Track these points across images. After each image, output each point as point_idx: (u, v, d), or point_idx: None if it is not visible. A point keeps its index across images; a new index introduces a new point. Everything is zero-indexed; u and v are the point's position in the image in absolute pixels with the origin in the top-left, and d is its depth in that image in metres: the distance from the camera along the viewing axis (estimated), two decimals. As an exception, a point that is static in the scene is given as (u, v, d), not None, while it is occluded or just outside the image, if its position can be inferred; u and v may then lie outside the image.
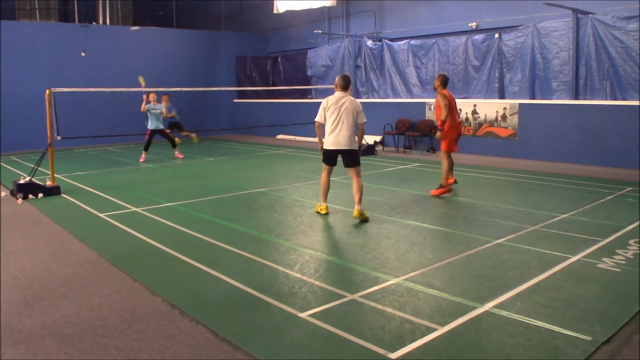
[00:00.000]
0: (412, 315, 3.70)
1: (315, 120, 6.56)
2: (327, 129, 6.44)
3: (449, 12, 14.34)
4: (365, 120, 6.62)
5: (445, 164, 7.81)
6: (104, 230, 6.23)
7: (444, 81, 7.96)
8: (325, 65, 17.35)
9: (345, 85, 6.51)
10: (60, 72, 15.67)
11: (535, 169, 10.53)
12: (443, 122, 7.68)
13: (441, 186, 7.81)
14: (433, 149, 13.57)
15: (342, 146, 6.40)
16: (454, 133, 7.91)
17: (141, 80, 12.19)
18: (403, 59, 14.93)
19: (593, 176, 9.53)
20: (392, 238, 5.72)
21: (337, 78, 6.56)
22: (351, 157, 6.48)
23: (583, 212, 6.80)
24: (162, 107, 12.41)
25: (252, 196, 8.24)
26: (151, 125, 12.27)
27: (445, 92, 7.83)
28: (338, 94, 6.47)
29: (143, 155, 12.52)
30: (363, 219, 6.39)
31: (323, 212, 6.76)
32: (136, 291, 4.28)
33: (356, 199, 6.40)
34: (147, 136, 12.36)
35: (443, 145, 7.90)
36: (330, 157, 6.56)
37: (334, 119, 6.35)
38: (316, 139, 6.84)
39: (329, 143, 6.44)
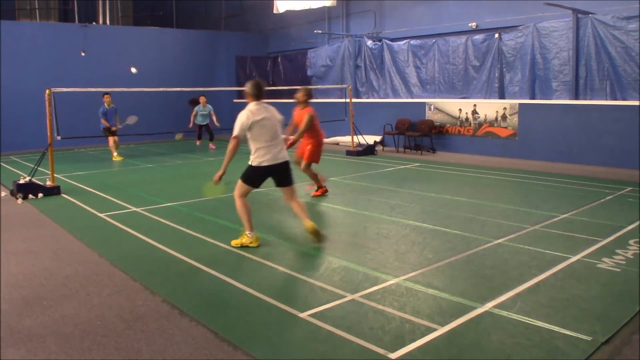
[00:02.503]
0: (412, 315, 3.70)
1: (236, 135, 5.28)
2: (262, 144, 5.31)
3: (449, 12, 14.34)
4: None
5: (310, 173, 7.96)
6: (104, 230, 6.23)
7: (310, 95, 7.81)
8: (325, 65, 17.35)
9: (260, 94, 5.38)
10: (60, 72, 15.66)
11: (535, 169, 10.53)
12: (294, 141, 7.59)
13: (319, 187, 8.06)
14: (433, 149, 13.57)
15: (282, 159, 5.41)
16: (321, 148, 7.97)
17: (179, 137, 14.01)
18: (403, 59, 14.93)
19: (593, 176, 9.53)
20: (392, 238, 5.72)
21: (249, 86, 5.37)
22: (288, 173, 5.53)
23: (583, 212, 6.80)
24: (210, 109, 14.53)
25: (252, 196, 8.18)
26: (197, 121, 14.57)
27: (310, 109, 7.68)
28: (257, 104, 5.35)
29: (211, 144, 14.95)
30: (317, 235, 5.42)
31: (255, 244, 5.41)
32: (136, 291, 4.28)
33: (305, 214, 5.51)
34: (196, 131, 14.74)
35: (306, 158, 7.84)
36: (265, 176, 5.47)
37: (270, 133, 5.32)
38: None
39: (268, 159, 5.33)
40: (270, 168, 5.37)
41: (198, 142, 15.13)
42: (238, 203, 5.48)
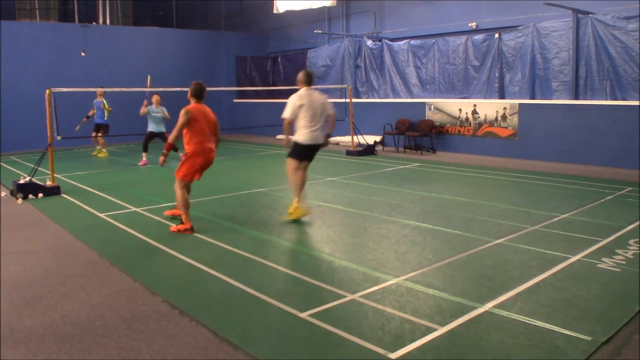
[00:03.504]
0: (412, 315, 3.70)
1: (286, 117, 6.36)
2: (303, 124, 6.35)
3: (449, 12, 14.34)
4: (334, 111, 6.65)
5: (179, 194, 6.07)
6: (104, 230, 6.23)
7: (195, 91, 6.11)
8: (325, 65, 17.35)
9: (310, 81, 6.48)
10: (60, 72, 15.66)
11: (535, 169, 10.53)
12: (171, 146, 6.00)
13: (181, 222, 6.09)
14: (433, 149, 13.58)
15: (319, 141, 6.45)
16: (199, 159, 6.03)
17: (149, 80, 12.00)
18: (403, 59, 14.93)
19: (593, 176, 9.53)
20: (392, 238, 5.72)
21: (300, 75, 6.50)
22: (316, 152, 6.58)
23: (583, 212, 6.80)
24: (163, 110, 11.74)
25: (252, 196, 8.24)
26: (151, 127, 11.69)
27: (192, 106, 6.02)
28: (306, 90, 6.42)
29: (143, 159, 11.83)
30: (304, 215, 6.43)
31: (304, 213, 6.32)
32: (136, 291, 4.28)
33: (302, 193, 6.51)
34: (145, 137, 11.88)
35: (178, 172, 6.10)
36: (307, 152, 6.48)
37: (310, 115, 6.31)
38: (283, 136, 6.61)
39: (307, 138, 6.36)
40: (308, 147, 6.43)
41: (143, 161, 11.78)
42: (291, 177, 6.48)
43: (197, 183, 6.36)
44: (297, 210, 6.35)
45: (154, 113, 11.65)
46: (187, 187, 6.14)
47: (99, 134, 13.18)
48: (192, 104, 6.14)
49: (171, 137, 5.94)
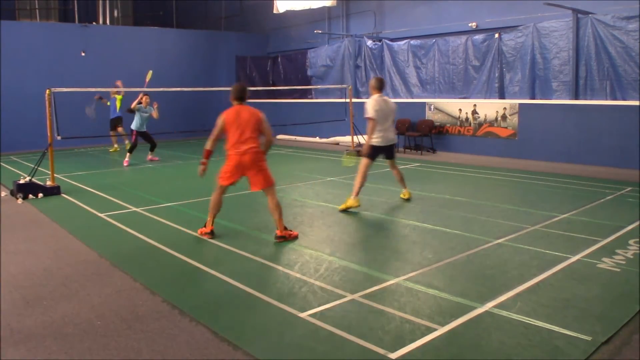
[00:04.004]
0: (412, 315, 3.70)
1: (373, 117, 6.96)
2: (378, 128, 7.04)
3: (449, 12, 14.33)
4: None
5: (212, 195, 6.00)
6: (104, 230, 6.23)
7: (233, 93, 5.79)
8: (325, 65, 17.35)
9: (382, 87, 7.24)
10: (60, 72, 15.66)
11: (535, 169, 10.53)
12: (208, 152, 5.79)
13: (205, 225, 5.96)
14: (433, 149, 13.58)
15: (392, 141, 7.30)
16: (230, 162, 5.80)
17: (149, 74, 12.12)
18: (403, 59, 14.93)
19: (593, 176, 9.53)
20: (392, 238, 5.72)
21: (373, 81, 7.24)
22: (393, 150, 7.40)
23: (583, 212, 6.80)
24: (152, 110, 11.93)
25: (252, 196, 8.22)
26: (136, 126, 11.77)
27: (227, 110, 5.75)
28: (379, 96, 7.09)
29: (127, 159, 11.88)
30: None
31: (356, 205, 6.93)
32: (136, 291, 4.28)
33: (403, 183, 7.67)
34: (132, 137, 12.01)
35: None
36: (380, 152, 7.22)
37: (383, 119, 7.05)
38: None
39: (382, 140, 7.11)
40: (381, 148, 7.19)
41: (126, 161, 11.81)
42: (360, 171, 7.12)
43: (198, 183, 6.26)
44: (406, 194, 7.63)
45: (144, 113, 11.79)
46: (222, 191, 5.90)
47: (118, 128, 13.83)
48: (232, 106, 5.81)
49: (207, 143, 5.75)
